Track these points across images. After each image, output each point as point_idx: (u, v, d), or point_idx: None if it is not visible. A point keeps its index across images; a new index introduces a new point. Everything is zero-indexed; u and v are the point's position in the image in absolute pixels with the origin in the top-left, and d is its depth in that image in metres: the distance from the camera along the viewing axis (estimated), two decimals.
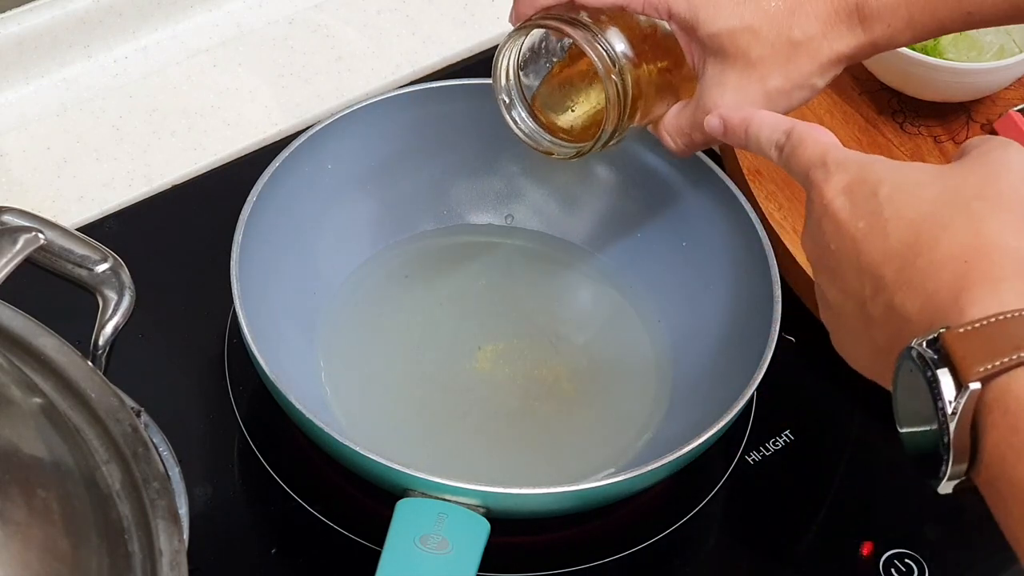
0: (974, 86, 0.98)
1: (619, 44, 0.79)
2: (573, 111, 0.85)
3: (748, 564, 0.84)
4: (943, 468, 0.58)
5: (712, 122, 0.75)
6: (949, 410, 0.57)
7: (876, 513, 0.85)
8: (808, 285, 0.90)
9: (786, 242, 0.91)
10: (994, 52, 0.98)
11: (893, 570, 0.82)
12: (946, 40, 0.98)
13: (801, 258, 0.90)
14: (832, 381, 0.90)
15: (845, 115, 0.99)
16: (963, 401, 0.57)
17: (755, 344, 0.81)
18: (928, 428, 0.58)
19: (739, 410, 0.78)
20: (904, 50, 0.95)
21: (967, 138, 0.99)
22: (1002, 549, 0.61)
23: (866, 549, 0.83)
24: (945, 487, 0.59)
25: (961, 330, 0.57)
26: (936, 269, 0.60)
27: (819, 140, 0.68)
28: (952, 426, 0.57)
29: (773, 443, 0.87)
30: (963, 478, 0.59)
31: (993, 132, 0.99)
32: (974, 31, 0.99)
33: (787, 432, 0.87)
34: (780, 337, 0.81)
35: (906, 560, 0.82)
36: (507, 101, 0.85)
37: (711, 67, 0.79)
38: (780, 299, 0.82)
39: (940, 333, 0.58)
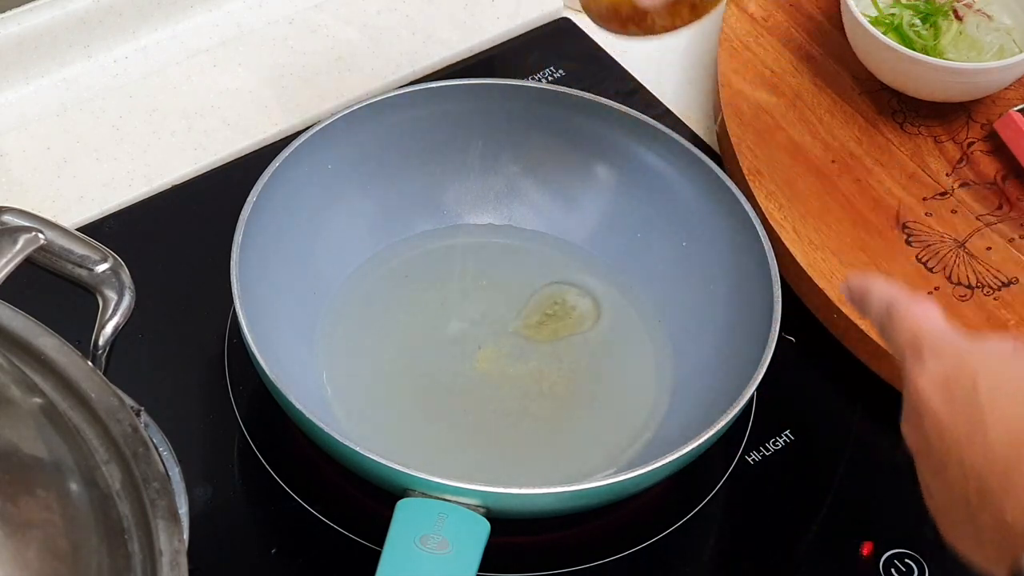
0: (974, 86, 0.98)
1: None
2: None
3: (748, 564, 0.84)
4: None
5: (842, 288, 0.74)
6: None
7: (876, 513, 0.85)
8: (808, 285, 0.90)
9: (786, 242, 0.91)
10: (994, 52, 0.98)
11: (893, 570, 0.82)
12: (946, 40, 0.98)
13: (801, 258, 0.90)
14: (832, 381, 0.90)
15: (845, 115, 0.99)
16: None
17: (755, 344, 0.81)
18: None
19: (739, 410, 0.78)
20: (904, 50, 0.95)
21: (967, 138, 0.99)
22: None
23: (866, 549, 0.83)
24: None
25: None
26: None
27: (915, 320, 0.66)
28: None
29: (773, 443, 0.87)
30: None
31: (993, 132, 0.99)
32: (974, 31, 0.99)
33: (787, 432, 0.87)
34: (780, 337, 0.81)
35: (906, 560, 0.82)
36: None
37: None
38: (780, 299, 0.82)
39: None
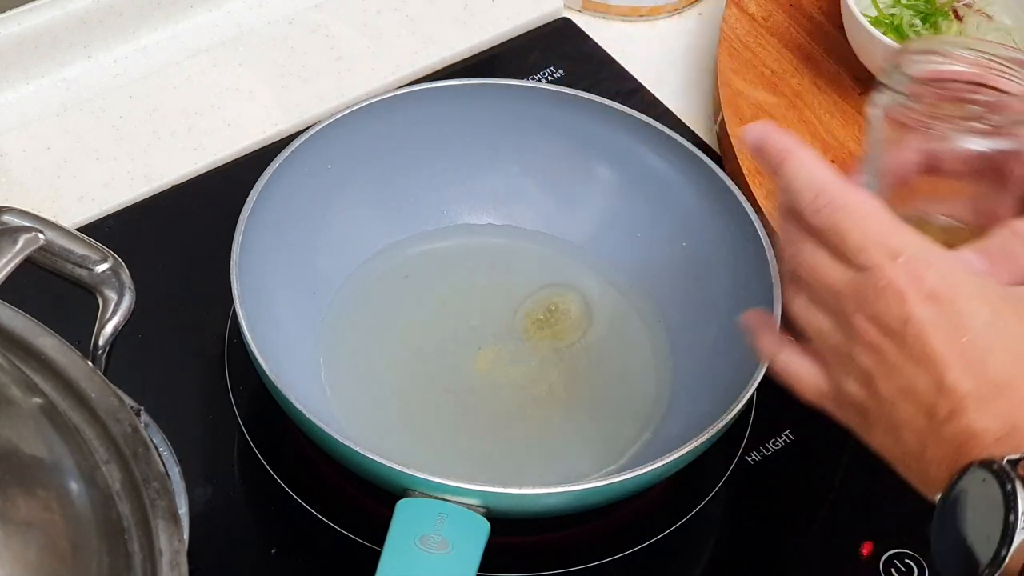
0: None
1: None
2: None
3: (748, 564, 0.84)
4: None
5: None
6: (1021, 524, 0.58)
7: (876, 513, 0.85)
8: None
9: None
10: None
11: (893, 570, 0.82)
12: None
13: None
14: None
15: (845, 115, 0.99)
16: None
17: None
18: (977, 539, 0.59)
19: (739, 410, 0.78)
20: None
21: None
22: None
23: (866, 549, 0.83)
24: None
25: None
26: None
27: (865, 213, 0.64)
28: (1017, 539, 0.58)
29: (773, 443, 0.87)
30: None
31: None
32: (974, 31, 0.99)
33: (787, 432, 0.87)
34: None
35: (906, 560, 0.82)
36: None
37: None
38: (780, 299, 0.82)
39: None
